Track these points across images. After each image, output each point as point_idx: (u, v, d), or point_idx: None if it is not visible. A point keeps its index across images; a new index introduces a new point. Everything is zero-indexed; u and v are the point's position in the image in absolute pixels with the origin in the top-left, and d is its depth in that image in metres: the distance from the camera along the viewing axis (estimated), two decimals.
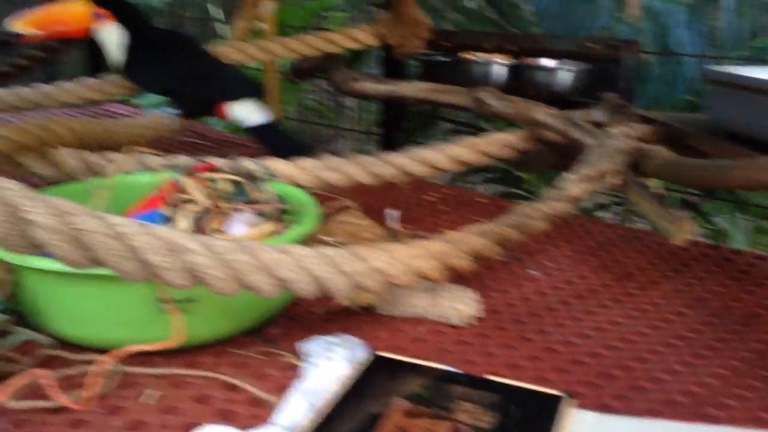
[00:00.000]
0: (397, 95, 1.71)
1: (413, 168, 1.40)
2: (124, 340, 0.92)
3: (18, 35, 1.56)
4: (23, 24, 1.56)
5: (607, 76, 1.79)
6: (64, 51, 2.65)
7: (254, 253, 0.83)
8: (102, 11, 1.61)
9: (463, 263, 1.06)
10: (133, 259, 0.72)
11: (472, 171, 2.85)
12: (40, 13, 1.59)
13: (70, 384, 0.87)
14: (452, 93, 1.59)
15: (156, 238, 0.74)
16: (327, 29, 3.28)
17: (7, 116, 2.46)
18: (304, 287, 0.88)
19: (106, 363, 0.86)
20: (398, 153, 1.44)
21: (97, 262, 0.70)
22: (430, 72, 1.89)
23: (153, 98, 3.69)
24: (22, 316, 1.00)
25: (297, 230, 1.04)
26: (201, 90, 1.73)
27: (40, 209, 0.65)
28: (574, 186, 1.20)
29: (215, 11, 4.22)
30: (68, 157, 1.29)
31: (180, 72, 1.68)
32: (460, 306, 1.09)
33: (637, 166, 1.26)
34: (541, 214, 1.14)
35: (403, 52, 1.87)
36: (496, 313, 1.14)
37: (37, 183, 1.54)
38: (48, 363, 0.92)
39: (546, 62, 1.86)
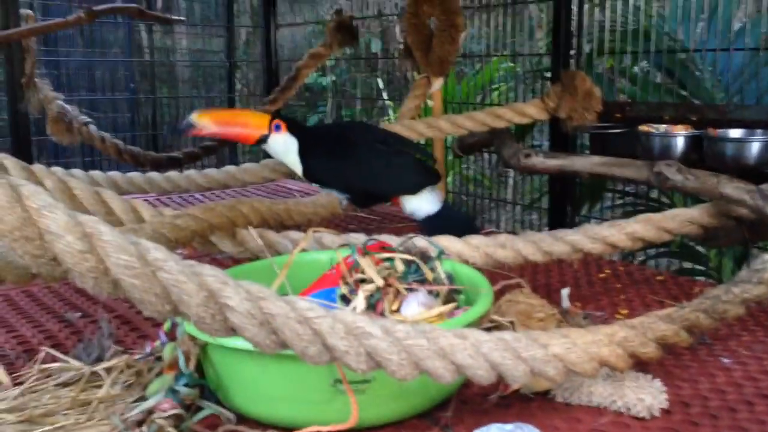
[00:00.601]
0: (569, 170, 1.67)
1: (587, 245, 1.35)
2: (299, 420, 0.93)
3: (192, 125, 1.65)
4: (202, 117, 1.65)
5: None
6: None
7: (432, 338, 0.82)
8: (279, 122, 1.71)
9: (649, 351, 0.99)
10: (317, 343, 0.74)
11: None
12: (222, 111, 1.72)
13: None
14: (629, 167, 1.53)
15: (339, 322, 0.75)
16: (489, 104, 3.31)
17: (198, 195, 2.68)
18: (481, 373, 0.85)
19: None
20: (571, 230, 1.39)
21: (285, 346, 0.72)
22: (603, 145, 1.84)
23: None
24: (206, 388, 1.04)
25: (471, 312, 1.02)
26: (375, 188, 1.77)
27: (237, 295, 0.69)
28: None
29: (382, 89, 4.39)
30: (252, 237, 1.37)
31: (353, 171, 1.74)
32: (646, 397, 1.01)
33: None
34: (736, 298, 1.05)
35: (573, 125, 1.83)
36: (686, 406, 1.05)
37: (222, 260, 1.65)
38: None
39: (733, 132, 1.75)
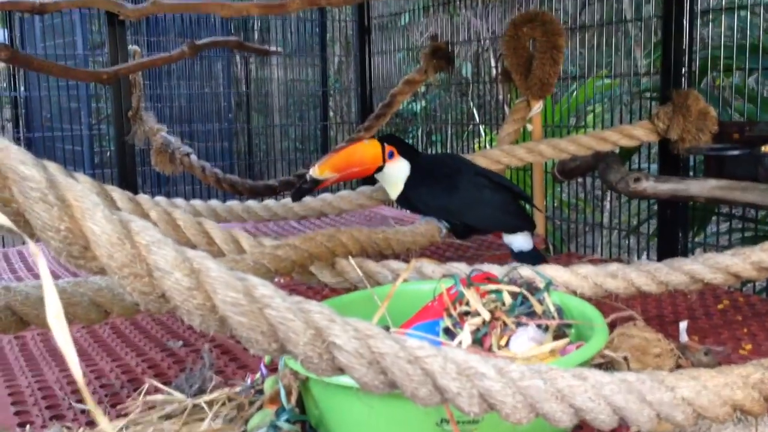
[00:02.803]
0: (683, 194, 1.57)
1: (708, 275, 1.26)
2: None
3: (317, 181, 1.68)
4: (322, 169, 1.67)
5: None
6: None
7: (549, 378, 0.76)
8: (392, 149, 1.71)
9: None
10: (428, 384, 0.69)
11: None
12: (336, 157, 1.71)
13: None
14: (752, 191, 1.42)
15: (450, 362, 0.71)
16: (584, 127, 3.20)
17: (293, 223, 2.70)
18: (603, 418, 0.78)
19: None
20: (689, 258, 1.30)
21: (394, 386, 0.69)
22: (719, 167, 1.72)
23: None
24: (307, 424, 1.02)
25: (587, 349, 0.96)
26: (477, 221, 1.75)
27: (345, 333, 0.66)
28: None
29: (475, 113, 4.34)
30: (351, 267, 1.34)
31: (457, 202, 1.72)
32: None
33: None
34: None
35: (686, 147, 1.73)
36: None
37: (320, 289, 1.64)
38: None
39: None
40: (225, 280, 0.63)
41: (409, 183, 1.73)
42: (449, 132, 4.74)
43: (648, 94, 2.53)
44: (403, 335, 1.03)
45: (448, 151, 3.90)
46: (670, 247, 2.03)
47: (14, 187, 0.56)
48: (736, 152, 1.71)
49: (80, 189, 0.58)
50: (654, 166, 2.31)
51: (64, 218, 0.57)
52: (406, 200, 1.78)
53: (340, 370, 0.67)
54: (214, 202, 2.14)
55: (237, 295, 0.63)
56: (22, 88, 4.19)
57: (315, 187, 1.71)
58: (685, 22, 1.94)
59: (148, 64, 2.53)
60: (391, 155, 1.71)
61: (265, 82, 4.87)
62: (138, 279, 0.60)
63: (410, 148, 1.77)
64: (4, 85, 4.44)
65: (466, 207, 1.72)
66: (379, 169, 1.72)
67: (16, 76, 4.28)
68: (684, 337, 1.32)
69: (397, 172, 1.73)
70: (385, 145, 1.71)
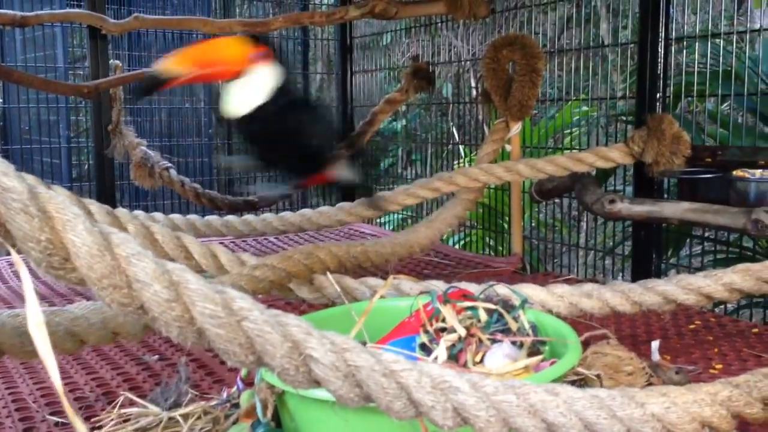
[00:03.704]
0: (657, 216, 1.60)
1: (681, 296, 1.28)
2: None
3: (164, 80, 1.38)
4: (171, 65, 1.37)
5: None
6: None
7: (522, 393, 0.78)
8: (263, 49, 1.42)
9: (755, 412, 0.91)
10: (403, 397, 0.70)
11: None
12: (189, 51, 1.43)
13: None
14: (724, 214, 1.46)
15: (425, 376, 0.72)
16: (561, 149, 3.25)
17: (272, 238, 2.70)
18: None
19: None
20: (663, 280, 1.32)
21: (369, 399, 0.70)
22: (692, 190, 1.76)
23: (396, 216, 3.86)
24: None
25: (560, 366, 0.97)
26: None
27: (321, 346, 0.66)
28: None
29: (455, 133, 4.38)
30: (329, 282, 1.35)
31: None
32: None
33: None
34: None
35: (659, 170, 1.77)
36: None
37: (297, 304, 1.64)
38: None
39: None
40: (203, 293, 0.64)
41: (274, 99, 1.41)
42: (429, 151, 4.77)
43: (624, 118, 2.57)
44: (379, 350, 1.04)
45: (428, 171, 3.93)
46: (644, 268, 2.06)
47: None
48: (708, 176, 1.75)
49: (61, 200, 0.59)
50: (630, 189, 2.35)
51: (45, 229, 0.57)
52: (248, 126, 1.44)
53: (317, 383, 0.68)
54: (193, 217, 2.15)
55: (215, 307, 0.64)
56: (0, 100, 4.16)
57: (164, 85, 1.39)
58: (661, 49, 1.98)
59: (129, 78, 2.53)
60: (259, 57, 1.39)
61: None
62: (117, 290, 0.60)
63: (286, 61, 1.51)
64: None
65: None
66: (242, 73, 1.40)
67: None
68: (656, 356, 1.34)
69: (261, 81, 1.39)
70: (258, 46, 1.39)
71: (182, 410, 1.08)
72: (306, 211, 2.09)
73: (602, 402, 0.82)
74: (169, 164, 2.66)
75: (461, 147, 3.81)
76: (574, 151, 2.41)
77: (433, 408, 0.73)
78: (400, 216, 3.91)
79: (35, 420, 1.17)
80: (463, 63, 3.56)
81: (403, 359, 0.73)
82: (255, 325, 0.65)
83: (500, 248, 3.24)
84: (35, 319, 0.51)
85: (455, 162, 4.07)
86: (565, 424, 0.79)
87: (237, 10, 4.70)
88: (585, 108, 3.23)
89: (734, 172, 1.68)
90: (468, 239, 3.44)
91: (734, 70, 1.95)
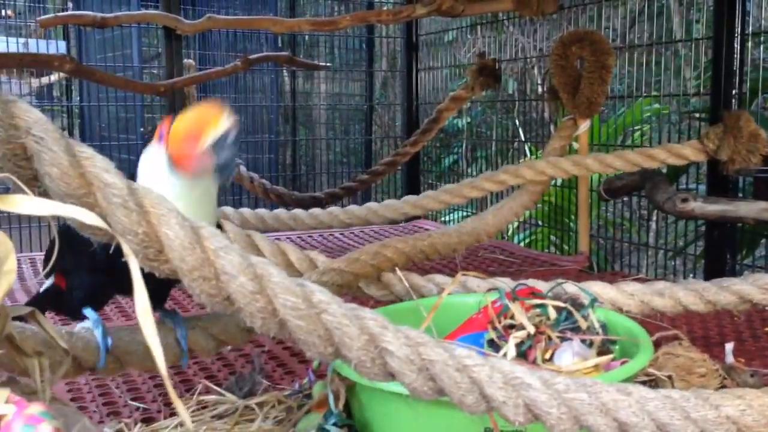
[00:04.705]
0: (732, 216, 1.56)
1: (757, 296, 1.25)
2: None
3: None
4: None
5: None
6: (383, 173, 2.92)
7: (594, 392, 0.78)
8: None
9: None
10: (475, 392, 0.72)
11: None
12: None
13: None
14: None
15: (497, 372, 0.73)
16: (631, 146, 3.18)
17: (337, 232, 2.74)
18: None
19: None
20: (738, 278, 1.29)
21: (442, 393, 0.71)
22: None
23: (458, 215, 3.85)
24: (353, 428, 1.04)
25: (632, 365, 0.97)
26: None
27: (396, 339, 0.68)
28: None
29: (520, 131, 4.34)
30: (397, 280, 1.37)
31: None
32: None
33: None
34: None
35: (735, 169, 1.72)
36: None
37: (364, 300, 1.67)
38: None
39: None
40: (285, 286, 0.66)
41: None
42: (493, 149, 4.74)
43: (697, 115, 2.51)
44: (452, 345, 1.05)
45: (493, 169, 3.92)
46: (717, 268, 2.01)
47: (98, 193, 0.60)
48: None
49: (156, 196, 0.62)
50: (702, 187, 2.29)
51: (142, 223, 0.61)
52: None
53: (391, 376, 0.70)
54: (263, 211, 2.20)
55: (296, 299, 0.67)
56: (78, 98, 4.33)
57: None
58: (736, 44, 1.93)
59: (203, 77, 2.61)
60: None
61: (310, 96, 4.94)
62: (206, 282, 0.64)
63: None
64: (59, 95, 4.61)
65: None
66: None
67: (71, 87, 4.43)
68: (730, 359, 1.31)
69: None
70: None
71: (257, 399, 1.12)
72: (372, 204, 2.12)
73: (675, 403, 0.81)
74: (239, 160, 2.73)
75: (526, 145, 3.78)
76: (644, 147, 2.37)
77: (505, 403, 0.74)
78: (463, 213, 3.90)
79: (118, 405, 1.22)
80: (528, 60, 3.53)
81: (476, 354, 0.74)
82: (334, 318, 0.67)
83: (566, 247, 3.21)
84: (142, 305, 0.54)
85: (520, 160, 4.04)
86: (638, 424, 0.79)
87: (302, 9, 4.76)
88: (656, 105, 3.16)
89: None
90: (533, 237, 3.41)
91: None
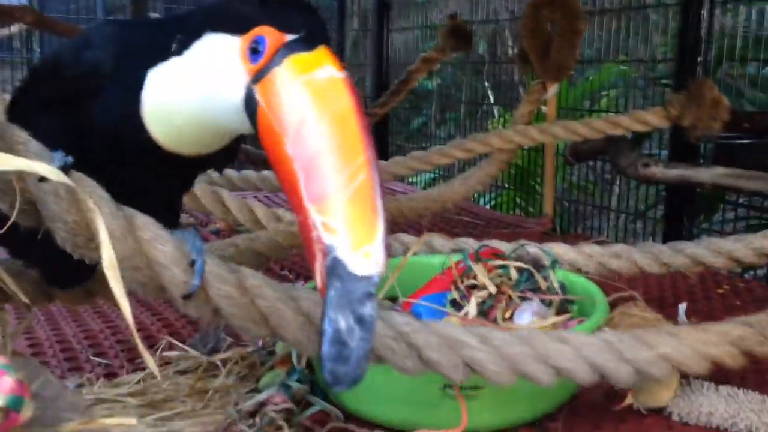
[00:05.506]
0: (691, 180, 1.59)
1: (709, 259, 1.29)
2: (408, 421, 0.94)
3: None
4: None
5: None
6: None
7: (531, 343, 0.81)
8: None
9: (766, 350, 0.94)
10: (413, 356, 0.75)
11: None
12: None
13: None
14: (759, 179, 1.45)
15: (434, 335, 0.76)
16: (597, 110, 3.21)
17: None
18: (583, 376, 0.84)
19: None
20: (693, 242, 1.33)
21: (383, 360, 0.74)
22: (729, 156, 1.74)
23: (427, 176, 3.87)
24: (315, 385, 1.06)
25: (588, 323, 1.00)
26: None
27: None
28: None
29: (489, 93, 4.34)
30: None
31: None
32: None
33: None
34: None
35: (697, 135, 1.75)
36: None
37: None
38: None
39: None
40: (218, 274, 0.67)
41: None
42: (462, 110, 4.73)
43: (663, 81, 2.53)
44: (411, 305, 1.07)
45: (462, 131, 3.91)
46: (675, 232, 2.05)
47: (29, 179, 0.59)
48: (745, 141, 1.73)
49: (90, 183, 0.62)
50: (665, 153, 2.33)
51: (72, 211, 0.60)
52: None
53: None
54: (230, 172, 2.18)
55: (229, 288, 0.68)
56: (38, 50, 4.22)
57: None
58: (704, 11, 1.95)
59: None
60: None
61: None
62: (137, 271, 0.65)
63: None
64: (19, 46, 4.49)
65: None
66: None
67: (32, 39, 4.31)
68: (682, 318, 1.35)
69: None
70: None
71: (221, 355, 1.13)
72: None
73: (611, 345, 0.85)
74: None
75: (495, 108, 3.79)
76: (610, 113, 2.39)
77: (443, 364, 0.78)
78: (431, 176, 3.91)
79: (80, 360, 1.22)
80: (500, 22, 3.52)
81: (414, 320, 0.77)
82: (268, 303, 0.69)
83: (531, 209, 3.24)
84: (109, 259, 0.54)
85: (489, 122, 4.04)
86: (574, 369, 0.84)
87: None
88: (624, 67, 3.18)
89: None
90: (498, 199, 3.44)
91: None
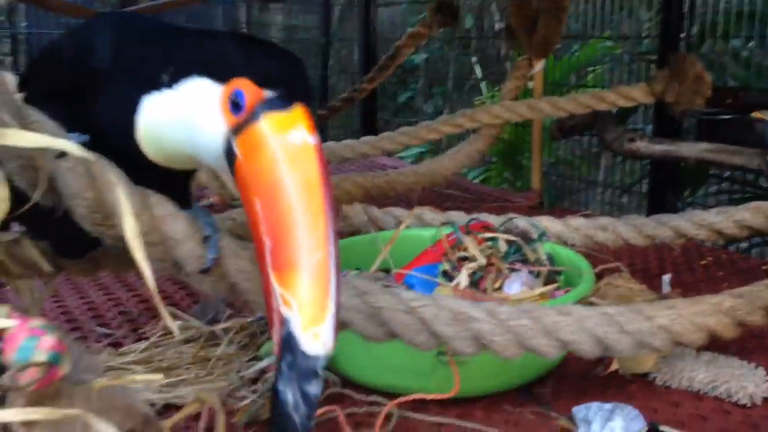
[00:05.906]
0: (675, 155, 1.64)
1: (692, 231, 1.34)
2: (403, 387, 0.98)
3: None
4: None
5: None
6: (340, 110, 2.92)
7: (536, 316, 0.85)
8: None
9: (756, 319, 0.99)
10: (424, 331, 0.78)
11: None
12: None
13: (355, 422, 0.94)
14: (740, 154, 1.49)
15: (444, 309, 0.79)
16: (584, 86, 3.24)
17: None
18: (586, 348, 0.88)
19: (389, 407, 0.93)
20: (676, 215, 1.38)
21: (393, 335, 0.77)
22: (711, 131, 1.78)
23: (415, 151, 3.90)
24: None
25: (574, 293, 1.04)
26: None
27: (344, 291, 0.73)
28: None
29: (477, 68, 4.36)
30: (356, 212, 1.42)
31: None
32: (748, 384, 1.01)
33: None
34: None
35: (680, 110, 1.79)
36: None
37: None
38: (337, 400, 1.00)
39: None
40: (233, 249, 0.71)
41: None
42: (450, 85, 4.74)
43: (648, 56, 2.57)
44: (404, 276, 1.11)
45: (449, 105, 3.94)
46: (660, 206, 2.10)
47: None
48: (728, 117, 1.77)
49: (104, 163, 0.65)
50: (650, 128, 2.37)
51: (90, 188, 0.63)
52: None
53: (344, 324, 0.76)
54: None
55: (245, 262, 0.72)
56: (24, 24, 4.18)
57: None
58: None
59: (156, 7, 2.56)
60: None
61: (266, 27, 4.85)
62: (154, 246, 0.67)
63: None
64: (3, 19, 4.44)
65: None
66: None
67: (16, 11, 4.27)
68: (667, 289, 1.40)
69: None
70: None
71: (222, 325, 1.17)
72: (330, 144, 2.14)
73: (612, 318, 0.89)
74: None
75: (482, 82, 3.81)
76: (596, 88, 2.42)
77: (454, 338, 0.81)
78: (420, 150, 3.94)
79: (84, 330, 1.26)
80: None
81: (422, 296, 0.81)
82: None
83: (518, 183, 3.29)
84: (131, 228, 0.57)
85: (476, 97, 4.07)
86: (578, 341, 0.87)
87: None
88: (609, 43, 3.21)
89: (752, 114, 1.70)
90: (487, 174, 3.48)
91: (759, 11, 1.95)
